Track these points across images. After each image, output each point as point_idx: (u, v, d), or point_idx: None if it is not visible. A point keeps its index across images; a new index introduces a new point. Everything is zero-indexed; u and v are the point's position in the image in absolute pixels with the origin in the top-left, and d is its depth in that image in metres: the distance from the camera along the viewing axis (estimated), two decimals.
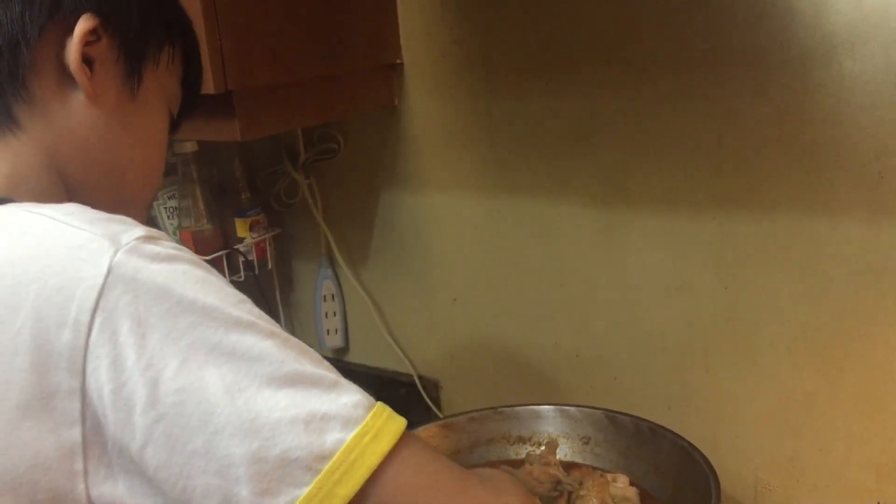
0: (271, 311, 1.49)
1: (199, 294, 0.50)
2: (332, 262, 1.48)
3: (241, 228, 1.42)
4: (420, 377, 1.42)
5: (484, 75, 1.22)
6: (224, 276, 1.37)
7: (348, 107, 1.26)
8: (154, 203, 1.43)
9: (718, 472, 0.95)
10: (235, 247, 1.40)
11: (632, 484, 0.99)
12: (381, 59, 1.26)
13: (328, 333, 1.50)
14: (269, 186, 1.49)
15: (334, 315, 1.50)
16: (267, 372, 0.49)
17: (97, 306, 0.48)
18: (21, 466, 0.48)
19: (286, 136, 1.43)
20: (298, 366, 0.50)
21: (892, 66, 0.92)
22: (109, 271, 0.48)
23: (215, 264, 1.37)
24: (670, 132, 1.08)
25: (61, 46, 0.59)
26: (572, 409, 1.12)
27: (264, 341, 0.50)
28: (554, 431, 1.12)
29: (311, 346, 0.53)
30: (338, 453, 0.49)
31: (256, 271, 1.43)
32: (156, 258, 0.50)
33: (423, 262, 1.38)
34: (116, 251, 0.49)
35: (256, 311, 0.52)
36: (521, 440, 1.14)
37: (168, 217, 1.43)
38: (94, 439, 0.48)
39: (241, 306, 0.51)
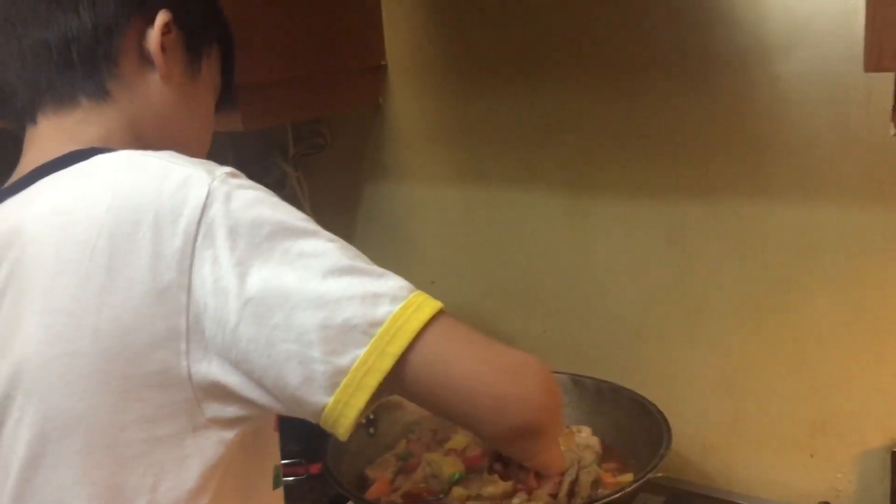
0: None
1: (275, 212, 0.65)
2: None
3: None
4: None
5: (462, 76, 1.35)
6: None
7: (337, 104, 1.38)
8: None
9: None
10: None
11: (594, 435, 1.12)
12: (367, 61, 1.39)
13: None
14: (260, 178, 1.59)
15: None
16: (329, 265, 0.64)
17: (201, 220, 0.62)
18: (141, 343, 0.62)
19: (276, 132, 1.54)
20: (352, 262, 0.65)
21: (819, 67, 1.06)
22: (209, 194, 0.63)
23: None
24: (628, 126, 1.22)
25: (142, 35, 0.75)
26: None
27: (326, 244, 0.65)
28: None
29: None
30: (388, 320, 0.63)
31: None
32: (241, 186, 0.66)
33: (404, 249, 1.50)
34: (213, 180, 0.64)
35: (318, 226, 0.67)
36: None
37: None
38: (195, 327, 0.63)
39: (307, 221, 0.66)
